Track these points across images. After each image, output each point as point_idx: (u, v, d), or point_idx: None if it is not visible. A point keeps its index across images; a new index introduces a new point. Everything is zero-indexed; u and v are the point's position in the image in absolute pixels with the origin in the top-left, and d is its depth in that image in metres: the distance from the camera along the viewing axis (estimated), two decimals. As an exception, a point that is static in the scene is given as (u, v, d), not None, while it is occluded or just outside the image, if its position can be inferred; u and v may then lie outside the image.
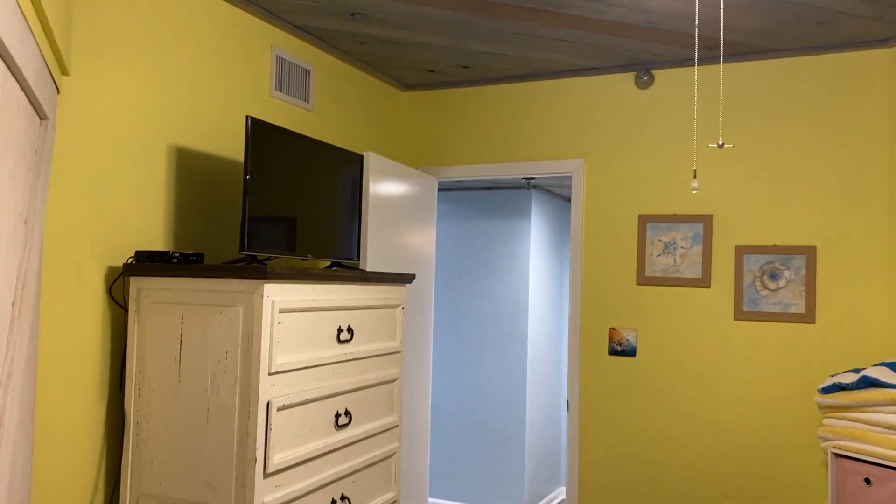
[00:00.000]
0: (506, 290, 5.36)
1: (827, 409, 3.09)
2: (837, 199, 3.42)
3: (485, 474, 5.33)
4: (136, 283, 2.37)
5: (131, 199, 2.48)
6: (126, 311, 2.44)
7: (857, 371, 3.01)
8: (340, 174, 2.98)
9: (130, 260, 2.41)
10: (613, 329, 3.80)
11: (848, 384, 2.98)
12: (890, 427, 2.79)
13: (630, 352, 3.75)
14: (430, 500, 5.42)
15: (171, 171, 2.65)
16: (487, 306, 5.41)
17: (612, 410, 3.78)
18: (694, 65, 3.68)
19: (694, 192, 2.04)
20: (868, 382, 2.90)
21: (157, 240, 2.59)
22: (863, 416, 2.91)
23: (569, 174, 3.96)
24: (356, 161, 3.09)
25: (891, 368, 2.89)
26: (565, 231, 5.98)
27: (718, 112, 3.63)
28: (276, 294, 2.26)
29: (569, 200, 6.00)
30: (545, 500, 5.59)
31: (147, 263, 2.34)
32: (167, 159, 2.63)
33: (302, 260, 2.78)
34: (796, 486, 3.41)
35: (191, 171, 2.74)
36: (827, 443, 3.06)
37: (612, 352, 3.79)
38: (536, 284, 5.41)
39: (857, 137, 3.40)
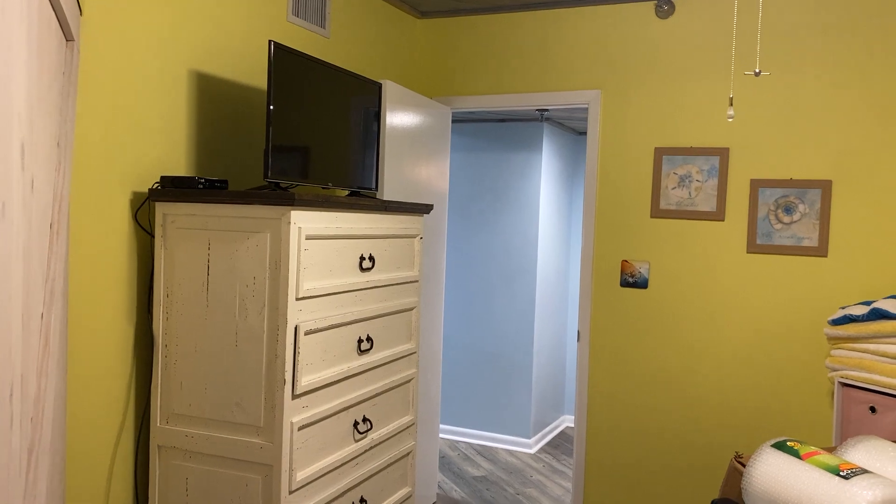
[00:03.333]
0: (516, 223, 5.38)
1: (836, 340, 3.15)
2: (854, 133, 3.41)
3: (493, 403, 5.46)
4: (161, 209, 2.38)
5: (154, 124, 2.47)
6: (152, 236, 2.46)
7: (867, 303, 3.06)
8: (358, 102, 2.96)
9: (156, 185, 2.42)
10: (626, 261, 3.84)
11: (858, 316, 3.04)
12: (898, 358, 2.86)
13: (642, 283, 3.80)
14: (441, 426, 5.57)
15: (193, 97, 2.63)
16: (498, 239, 5.44)
17: (622, 341, 3.86)
18: (716, -6, 3.60)
19: (730, 119, 2.04)
20: (878, 314, 2.96)
21: (180, 166, 2.59)
22: (871, 346, 2.98)
23: (585, 105, 3.93)
24: (374, 89, 3.07)
25: (902, 301, 2.94)
26: (575, 165, 5.97)
27: (741, 43, 3.58)
28: (303, 221, 2.28)
29: (580, 134, 5.96)
30: (549, 427, 5.75)
31: (172, 189, 2.35)
32: (188, 84, 2.61)
33: (323, 188, 2.79)
34: (803, 416, 3.50)
35: (211, 96, 2.72)
36: (834, 373, 3.13)
37: (624, 283, 3.84)
38: (546, 218, 5.44)
39: (876, 71, 3.37)
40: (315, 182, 2.70)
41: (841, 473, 1.75)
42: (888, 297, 3.01)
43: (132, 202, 2.40)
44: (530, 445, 5.35)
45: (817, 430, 3.47)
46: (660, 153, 3.74)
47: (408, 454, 3.03)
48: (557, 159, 5.61)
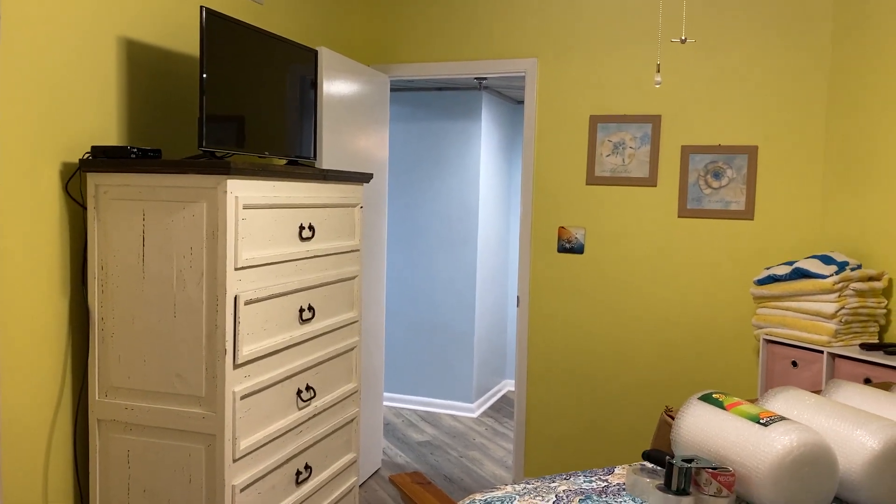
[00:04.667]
0: (457, 192, 5.42)
1: (761, 299, 3.30)
2: (779, 101, 3.55)
3: (436, 370, 5.54)
4: (93, 180, 2.33)
5: (83, 92, 2.40)
6: (84, 208, 2.41)
7: (790, 264, 3.22)
8: (294, 70, 2.93)
9: (86, 155, 2.36)
10: (563, 228, 3.92)
11: (781, 275, 3.19)
12: (817, 314, 3.02)
13: (578, 249, 3.89)
14: (385, 394, 5.63)
15: (123, 64, 2.56)
16: (438, 208, 5.47)
17: (559, 305, 3.96)
18: (648, -37, 3.67)
19: (657, 86, 2.11)
20: (799, 273, 3.11)
21: (112, 135, 2.53)
22: (793, 304, 3.13)
23: (522, 73, 3.97)
24: (310, 57, 3.04)
25: (821, 260, 3.10)
26: (514, 133, 6.02)
27: (669, 11, 3.66)
28: (239, 190, 2.26)
29: (518, 103, 6.01)
30: (491, 391, 5.86)
31: (104, 159, 2.30)
32: (118, 51, 2.54)
33: (259, 157, 2.76)
34: (731, 371, 3.67)
35: (142, 64, 2.66)
36: (759, 330, 3.29)
37: (561, 249, 3.93)
38: (486, 186, 5.49)
39: (799, 41, 3.50)
40: (251, 151, 2.68)
41: (761, 421, 1.86)
42: (809, 257, 3.17)
43: (62, 173, 2.34)
44: (473, 410, 5.46)
45: (744, 385, 3.64)
46: (594, 121, 3.82)
47: (352, 421, 3.07)
48: (496, 128, 5.65)
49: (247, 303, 2.31)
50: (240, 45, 2.57)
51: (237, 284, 2.27)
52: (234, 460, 2.29)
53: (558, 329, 3.97)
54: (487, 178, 5.50)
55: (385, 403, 5.64)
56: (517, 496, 1.90)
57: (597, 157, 3.83)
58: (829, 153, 3.47)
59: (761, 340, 3.25)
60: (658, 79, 1.95)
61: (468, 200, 5.39)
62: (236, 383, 2.29)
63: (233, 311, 2.26)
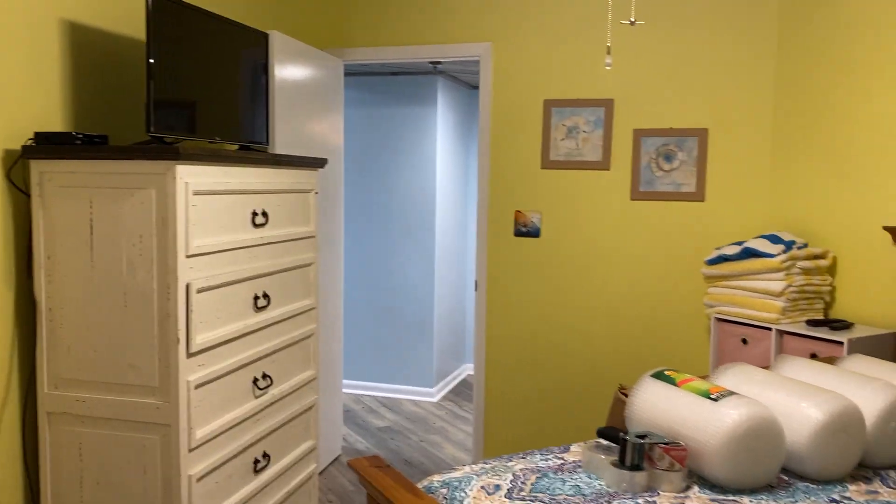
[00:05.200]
0: (414, 178, 5.41)
1: (712, 278, 3.37)
2: (728, 84, 3.61)
3: (396, 356, 5.54)
4: (37, 167, 2.26)
5: (23, 77, 2.33)
6: (28, 196, 2.34)
7: (739, 244, 3.29)
8: (246, 54, 2.88)
9: (29, 142, 2.29)
10: (519, 212, 3.95)
11: (731, 255, 3.26)
12: (765, 292, 3.09)
13: (534, 233, 3.93)
14: (345, 381, 5.61)
15: (66, 48, 2.49)
16: (396, 194, 5.46)
17: (517, 288, 3.99)
18: (599, -53, 3.68)
19: (608, 68, 2.13)
20: (749, 253, 3.18)
21: (56, 121, 2.46)
22: (743, 283, 3.21)
23: (476, 58, 3.97)
24: (261, 40, 2.99)
25: (769, 240, 3.17)
26: (470, 118, 6.03)
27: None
28: (189, 176, 2.22)
29: (474, 87, 6.01)
30: (451, 376, 5.89)
31: (48, 146, 2.23)
32: (59, 35, 2.46)
33: (210, 143, 2.72)
34: (683, 350, 3.75)
35: (85, 47, 2.58)
36: (711, 309, 3.36)
37: (518, 233, 3.96)
38: (443, 171, 5.49)
39: (747, 26, 3.56)
40: (202, 136, 2.63)
41: (711, 396, 1.90)
42: (758, 237, 3.24)
43: (4, 160, 2.27)
44: (433, 394, 5.48)
45: (697, 363, 3.72)
46: (549, 105, 3.84)
47: (310, 408, 3.05)
48: (453, 113, 5.64)
49: (199, 291, 2.28)
50: (188, 28, 2.52)
51: (189, 272, 2.23)
52: (190, 450, 2.26)
53: (516, 312, 4.01)
54: (444, 163, 5.50)
55: (345, 390, 5.62)
56: (475, 476, 1.91)
57: (551, 141, 3.85)
58: (777, 136, 3.55)
59: (712, 319, 3.32)
60: (609, 61, 1.97)
61: (425, 185, 5.38)
62: (190, 372, 2.26)
63: (185, 300, 2.22)
